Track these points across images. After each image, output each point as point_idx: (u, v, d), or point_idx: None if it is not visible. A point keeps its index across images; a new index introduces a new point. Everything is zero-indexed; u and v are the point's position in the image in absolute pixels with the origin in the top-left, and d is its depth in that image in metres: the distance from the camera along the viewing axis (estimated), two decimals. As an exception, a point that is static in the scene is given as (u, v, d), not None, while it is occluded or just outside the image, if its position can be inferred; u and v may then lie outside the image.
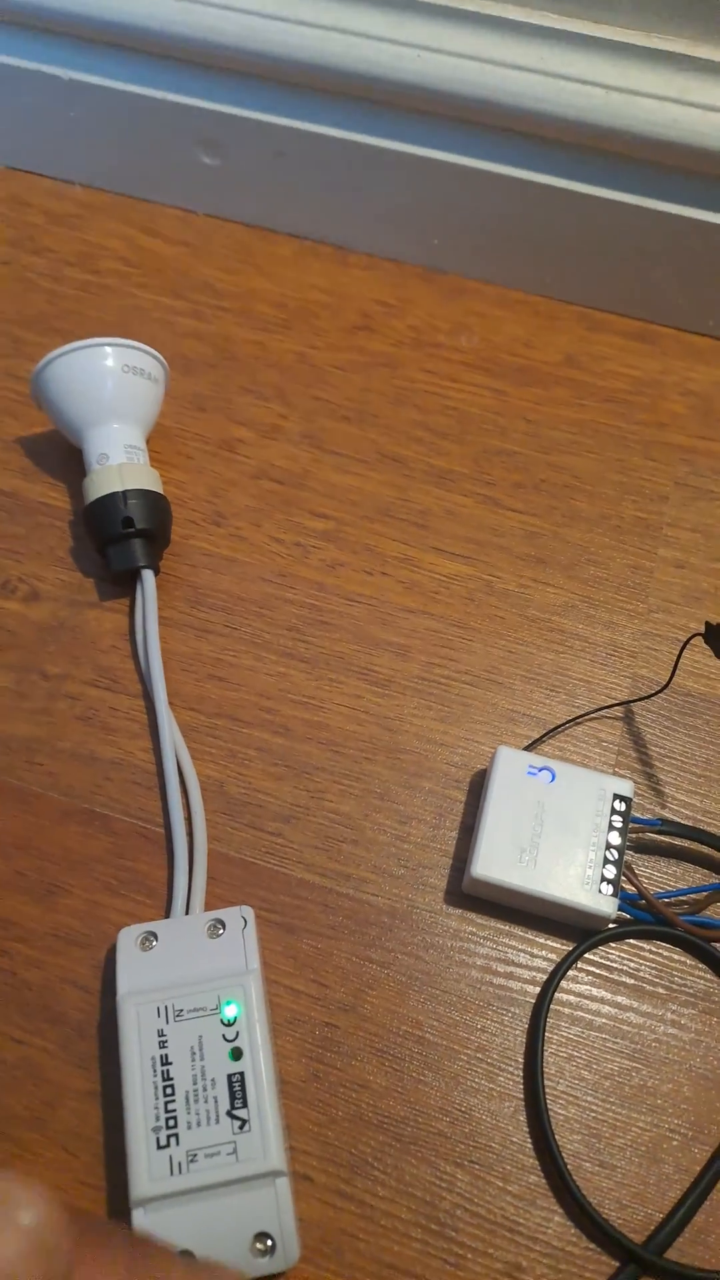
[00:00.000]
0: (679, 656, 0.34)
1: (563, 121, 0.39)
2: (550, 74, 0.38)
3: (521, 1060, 0.30)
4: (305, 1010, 0.30)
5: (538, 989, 0.31)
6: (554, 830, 0.31)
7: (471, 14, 0.38)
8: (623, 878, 0.31)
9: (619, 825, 0.31)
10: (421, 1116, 0.29)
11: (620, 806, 0.31)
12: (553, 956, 0.31)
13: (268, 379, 0.43)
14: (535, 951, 0.31)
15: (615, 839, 0.31)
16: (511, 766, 0.32)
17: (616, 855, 0.31)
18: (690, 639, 0.33)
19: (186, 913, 0.31)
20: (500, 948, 0.31)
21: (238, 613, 0.37)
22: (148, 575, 0.36)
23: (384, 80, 0.40)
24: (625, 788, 0.32)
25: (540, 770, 0.32)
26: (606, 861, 0.31)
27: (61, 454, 0.41)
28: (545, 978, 0.31)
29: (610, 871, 0.30)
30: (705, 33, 0.37)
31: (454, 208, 0.44)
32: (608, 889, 0.30)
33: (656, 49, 0.37)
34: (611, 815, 0.31)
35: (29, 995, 0.30)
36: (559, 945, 0.31)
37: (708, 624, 0.31)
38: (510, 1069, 0.30)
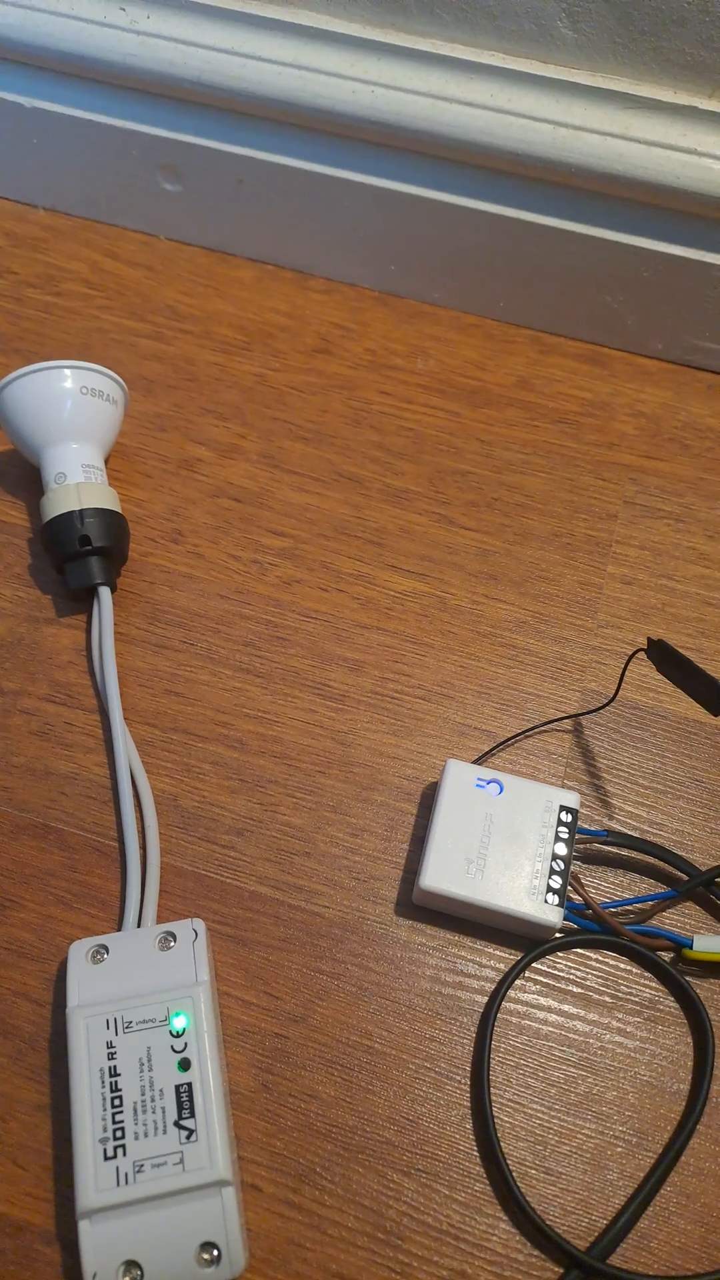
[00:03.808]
0: (624, 671, 0.35)
1: (511, 155, 0.40)
2: (499, 110, 0.39)
3: (469, 1069, 0.30)
4: (256, 1021, 0.30)
5: (486, 998, 0.31)
6: (501, 842, 0.32)
7: (424, 53, 0.39)
8: (569, 888, 0.31)
9: (565, 836, 0.32)
10: (369, 1126, 0.29)
11: (567, 818, 0.32)
12: (501, 966, 0.32)
13: (228, 400, 0.44)
14: (484, 961, 0.32)
15: (562, 850, 0.32)
16: (460, 779, 0.33)
17: (563, 866, 0.31)
18: (634, 654, 0.34)
19: (138, 926, 0.31)
20: (449, 958, 0.32)
21: (195, 629, 0.38)
22: (104, 592, 0.36)
23: (339, 114, 0.41)
24: (572, 799, 0.32)
25: (489, 783, 0.33)
26: (553, 872, 0.31)
27: (20, 472, 0.41)
28: (493, 987, 0.31)
29: (556, 882, 0.31)
30: (646, 72, 0.38)
31: (410, 235, 0.45)
32: (554, 899, 0.31)
33: (600, 87, 0.39)
34: (558, 826, 0.32)
35: (-20, 1010, 0.30)
36: (507, 955, 0.32)
37: (649, 639, 0.32)
38: (458, 1078, 0.30)
